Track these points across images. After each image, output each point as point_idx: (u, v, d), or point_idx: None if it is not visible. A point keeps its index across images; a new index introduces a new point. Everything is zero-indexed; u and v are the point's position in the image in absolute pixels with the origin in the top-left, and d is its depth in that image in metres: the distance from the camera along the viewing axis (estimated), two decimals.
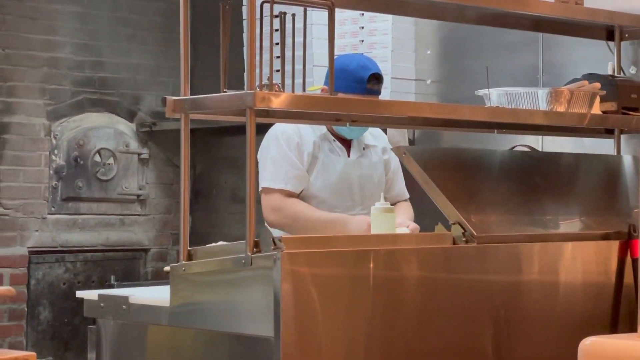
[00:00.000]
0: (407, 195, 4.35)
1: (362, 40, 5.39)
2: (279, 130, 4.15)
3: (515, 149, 4.00)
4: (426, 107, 3.51)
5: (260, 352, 3.02)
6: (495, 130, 3.98)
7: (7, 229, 6.13)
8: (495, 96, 3.86)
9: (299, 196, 4.14)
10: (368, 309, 3.10)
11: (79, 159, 6.41)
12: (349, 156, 4.22)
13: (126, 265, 6.62)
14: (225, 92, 3.25)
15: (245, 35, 5.21)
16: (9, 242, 6.13)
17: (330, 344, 3.04)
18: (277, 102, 3.07)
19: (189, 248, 3.22)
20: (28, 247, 6.21)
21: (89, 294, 3.54)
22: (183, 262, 3.20)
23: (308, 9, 3.31)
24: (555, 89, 3.79)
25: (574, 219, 3.80)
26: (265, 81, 3.19)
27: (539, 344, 3.47)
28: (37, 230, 6.25)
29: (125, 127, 6.64)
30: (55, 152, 6.34)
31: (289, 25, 3.27)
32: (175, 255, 6.85)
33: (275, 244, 3.01)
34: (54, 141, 6.33)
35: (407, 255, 3.21)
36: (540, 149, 4.63)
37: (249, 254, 3.02)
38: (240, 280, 3.06)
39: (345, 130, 4.16)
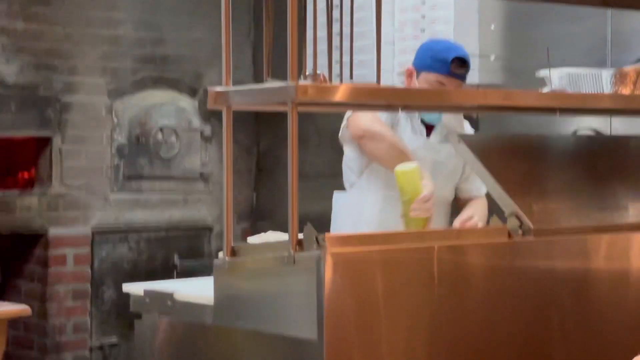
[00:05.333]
0: (484, 192, 4.20)
1: (424, 16, 5.22)
2: None
3: (579, 132, 3.83)
4: (480, 94, 3.35)
5: (304, 354, 2.91)
6: (558, 113, 3.81)
7: (70, 208, 6.10)
8: (557, 77, 3.70)
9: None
10: (414, 310, 2.97)
11: (140, 138, 6.35)
12: (428, 137, 4.15)
13: (190, 243, 6.57)
14: (268, 80, 3.14)
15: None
16: (72, 222, 6.11)
17: (375, 347, 2.92)
18: (320, 95, 2.94)
19: (232, 245, 3.12)
20: (91, 227, 6.19)
21: (135, 289, 3.47)
22: (227, 258, 3.11)
23: None
24: (620, 70, 3.61)
25: None
26: (312, 71, 3.07)
27: (607, 348, 3.31)
28: (100, 210, 6.22)
29: (188, 105, 6.56)
30: (117, 130, 6.29)
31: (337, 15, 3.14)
32: (240, 233, 6.78)
33: (318, 242, 2.89)
34: (115, 120, 6.28)
35: (455, 252, 3.06)
36: (609, 131, 4.43)
37: (292, 252, 2.92)
38: (283, 279, 2.96)
39: (424, 113, 4.11)
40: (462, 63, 4.03)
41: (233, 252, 3.12)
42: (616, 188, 3.61)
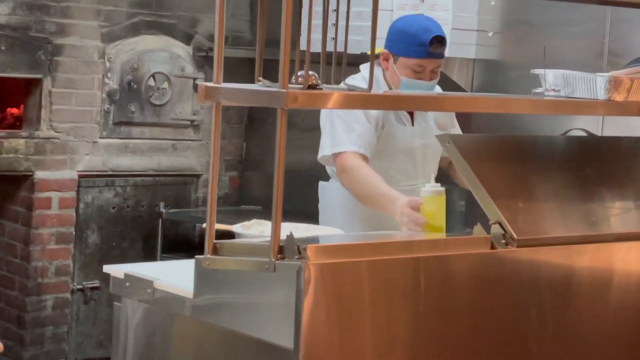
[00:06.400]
0: None
1: None
2: None
3: (571, 132, 3.79)
4: (472, 101, 3.30)
5: None
6: None
7: (58, 152, 6.07)
8: (552, 77, 3.66)
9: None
10: (395, 323, 2.98)
11: (132, 83, 6.29)
12: (412, 124, 4.11)
13: (177, 190, 6.55)
14: (259, 80, 3.11)
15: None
16: (59, 166, 6.08)
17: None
18: (310, 102, 2.91)
19: (214, 241, 3.11)
20: (78, 171, 6.16)
21: (116, 271, 3.46)
22: (208, 255, 3.10)
23: None
24: (615, 77, 3.56)
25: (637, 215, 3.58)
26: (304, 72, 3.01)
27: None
28: (87, 154, 6.18)
29: (181, 51, 6.48)
30: (109, 75, 6.22)
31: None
32: (227, 182, 6.77)
33: (300, 252, 2.88)
34: (107, 64, 6.21)
35: (436, 264, 3.06)
36: (600, 130, 4.39)
37: (273, 259, 2.91)
38: (263, 284, 2.95)
39: None
40: (439, 42, 3.96)
41: (215, 250, 3.11)
42: (604, 194, 3.59)
